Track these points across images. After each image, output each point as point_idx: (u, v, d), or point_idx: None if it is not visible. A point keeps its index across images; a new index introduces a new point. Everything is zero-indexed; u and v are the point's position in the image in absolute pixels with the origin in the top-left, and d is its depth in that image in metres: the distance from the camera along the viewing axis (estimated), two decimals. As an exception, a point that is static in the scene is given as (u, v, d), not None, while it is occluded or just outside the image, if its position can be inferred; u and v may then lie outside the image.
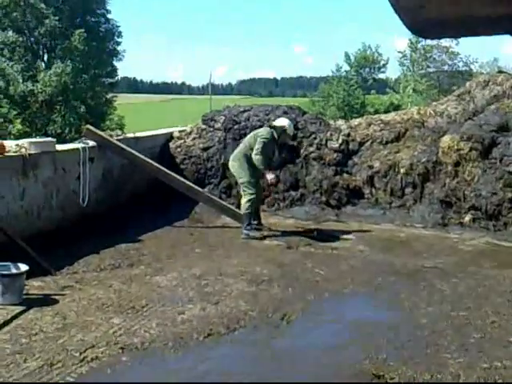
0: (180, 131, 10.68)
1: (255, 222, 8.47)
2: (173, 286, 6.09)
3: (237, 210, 8.79)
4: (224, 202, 9.17)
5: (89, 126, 8.83)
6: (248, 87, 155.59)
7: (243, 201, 8.41)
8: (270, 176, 8.30)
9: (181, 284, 6.13)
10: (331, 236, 8.35)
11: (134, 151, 8.85)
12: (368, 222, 9.20)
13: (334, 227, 8.94)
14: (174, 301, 5.64)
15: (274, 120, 9.17)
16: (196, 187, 9.02)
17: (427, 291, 6.10)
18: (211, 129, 10.35)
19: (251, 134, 8.72)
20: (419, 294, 5.99)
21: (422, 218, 9.07)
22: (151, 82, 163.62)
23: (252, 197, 8.31)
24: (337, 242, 8.15)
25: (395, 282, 6.41)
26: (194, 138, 10.37)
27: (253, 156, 8.26)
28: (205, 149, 10.25)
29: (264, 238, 8.21)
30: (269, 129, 8.55)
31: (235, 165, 8.52)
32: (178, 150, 10.24)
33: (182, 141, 10.37)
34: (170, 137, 10.52)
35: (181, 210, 9.26)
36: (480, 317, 5.37)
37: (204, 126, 10.53)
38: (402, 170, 9.42)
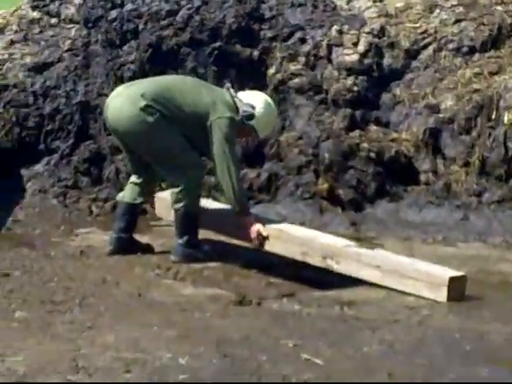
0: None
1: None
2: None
3: None
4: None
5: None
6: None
7: (181, 194, 6.66)
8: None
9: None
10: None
11: None
12: (428, 235, 6.57)
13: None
14: None
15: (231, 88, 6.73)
16: None
17: None
18: (54, 21, 8.06)
19: (189, 82, 6.46)
20: None
21: None
22: None
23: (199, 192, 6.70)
24: (352, 288, 5.74)
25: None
26: (13, 43, 8.06)
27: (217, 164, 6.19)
28: (38, 68, 7.87)
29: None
30: (230, 101, 6.24)
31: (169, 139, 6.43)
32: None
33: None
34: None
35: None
36: None
37: (36, 14, 8.32)
38: (507, 116, 7.06)
